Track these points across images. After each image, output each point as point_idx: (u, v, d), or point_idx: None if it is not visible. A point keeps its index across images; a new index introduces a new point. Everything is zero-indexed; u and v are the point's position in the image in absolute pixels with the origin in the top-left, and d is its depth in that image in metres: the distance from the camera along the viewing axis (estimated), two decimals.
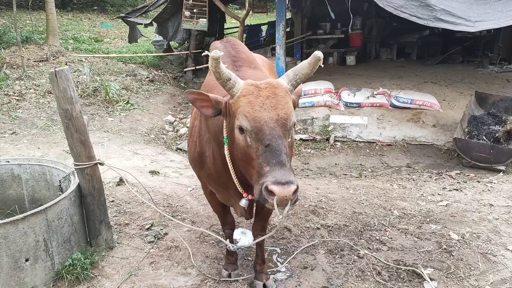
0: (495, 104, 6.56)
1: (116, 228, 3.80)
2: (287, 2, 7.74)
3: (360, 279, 3.15)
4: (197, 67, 11.19)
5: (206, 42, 14.09)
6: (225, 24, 14.83)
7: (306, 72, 2.10)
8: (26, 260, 2.72)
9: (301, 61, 9.39)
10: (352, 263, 3.32)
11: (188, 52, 11.34)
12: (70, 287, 2.94)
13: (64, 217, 2.93)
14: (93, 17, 19.82)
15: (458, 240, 3.56)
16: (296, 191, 1.89)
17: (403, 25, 10.57)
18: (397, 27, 12.04)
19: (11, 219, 2.60)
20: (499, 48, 11.06)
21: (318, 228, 3.85)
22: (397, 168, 5.91)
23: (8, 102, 7.12)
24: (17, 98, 7.33)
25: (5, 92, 7.45)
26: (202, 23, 8.77)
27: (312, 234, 3.75)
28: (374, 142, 6.73)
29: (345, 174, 5.60)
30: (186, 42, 12.20)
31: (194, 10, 8.72)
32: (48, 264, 2.85)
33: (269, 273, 3.14)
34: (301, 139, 6.88)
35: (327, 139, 6.85)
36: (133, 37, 11.37)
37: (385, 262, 3.31)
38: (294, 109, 2.14)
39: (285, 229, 3.83)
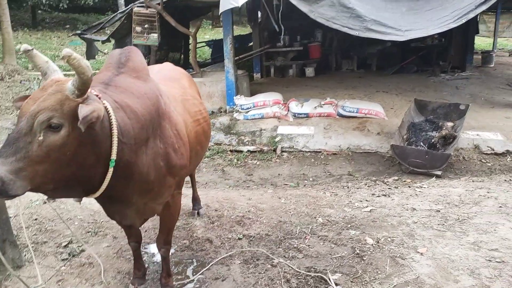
0: (434, 110, 6.73)
1: (32, 246, 3.72)
2: (232, 17, 7.81)
3: (268, 287, 3.14)
4: None
5: (172, 58, 14.18)
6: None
7: (77, 73, 1.88)
8: None
9: (261, 75, 9.50)
10: (264, 272, 3.32)
11: None
12: None
13: None
14: (63, 35, 19.73)
15: (372, 245, 3.59)
16: None
17: (363, 38, 10.87)
18: (358, 39, 12.31)
19: None
20: (451, 57, 11.40)
21: (239, 239, 3.84)
22: (338, 177, 5.98)
23: None
24: None
25: None
26: (153, 38, 8.80)
27: (233, 245, 3.74)
28: (319, 152, 6.81)
29: (286, 184, 5.63)
30: (146, 57, 12.22)
31: (146, 26, 8.75)
32: None
33: (177, 285, 3.11)
34: (248, 150, 6.91)
35: (274, 150, 6.89)
36: (90, 54, 11.33)
37: (296, 269, 3.32)
38: (92, 117, 1.91)
39: (206, 241, 3.82)
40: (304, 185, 5.51)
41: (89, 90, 2.09)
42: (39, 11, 21.83)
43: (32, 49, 2.14)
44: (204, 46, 17.14)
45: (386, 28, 5.65)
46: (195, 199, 4.35)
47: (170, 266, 3.15)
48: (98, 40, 11.44)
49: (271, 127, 7.34)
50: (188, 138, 2.98)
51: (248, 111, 7.65)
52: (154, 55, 11.39)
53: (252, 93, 8.45)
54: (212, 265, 3.44)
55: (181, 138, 2.75)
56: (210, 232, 3.96)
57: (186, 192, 4.60)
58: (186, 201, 4.53)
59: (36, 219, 4.22)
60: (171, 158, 2.63)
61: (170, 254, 3.55)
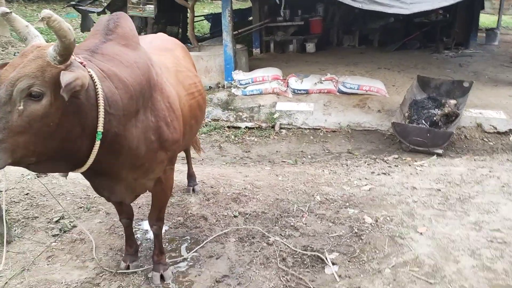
0: (437, 88, 6.56)
1: (22, 222, 3.64)
2: None
3: (263, 266, 3.07)
4: None
5: (169, 32, 13.86)
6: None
7: (58, 36, 1.74)
8: None
9: (260, 50, 9.23)
10: (260, 251, 3.24)
11: None
12: None
13: None
14: (58, 7, 19.25)
15: (370, 224, 3.51)
16: None
17: (366, 12, 10.56)
18: (360, 13, 11.99)
19: None
20: (455, 33, 11.13)
21: (235, 216, 3.75)
22: (337, 154, 5.87)
23: None
24: None
25: None
26: (149, 10, 8.56)
27: (228, 223, 3.66)
28: (319, 129, 6.67)
29: (284, 162, 5.53)
30: (142, 31, 11.92)
31: None
32: None
33: (169, 263, 3.04)
34: (246, 127, 6.78)
35: (273, 127, 6.76)
36: (85, 26, 11.02)
37: (292, 248, 3.24)
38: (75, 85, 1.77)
39: (201, 218, 3.73)
40: (303, 163, 5.40)
41: (72, 57, 1.95)
42: None
43: (11, 12, 1.99)
44: (203, 20, 16.73)
45: (390, 1, 5.44)
46: (191, 176, 4.24)
47: (163, 243, 3.07)
48: (94, 12, 11.13)
49: (269, 103, 7.18)
50: (182, 112, 2.85)
51: (247, 87, 7.48)
52: (151, 29, 11.11)
53: (251, 69, 8.24)
54: (206, 243, 3.36)
55: (174, 111, 2.62)
56: (205, 209, 3.87)
57: (182, 168, 4.51)
58: (181, 177, 4.44)
59: (27, 194, 4.12)
60: (163, 132, 2.50)
61: (163, 231, 3.49)
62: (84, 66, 1.98)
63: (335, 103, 7.09)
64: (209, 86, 7.90)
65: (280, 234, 3.46)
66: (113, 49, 2.26)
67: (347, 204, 3.90)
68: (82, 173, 2.27)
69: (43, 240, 3.37)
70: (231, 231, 3.52)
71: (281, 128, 6.73)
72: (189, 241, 3.41)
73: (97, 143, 2.05)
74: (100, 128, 2.02)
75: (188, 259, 3.17)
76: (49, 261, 3.13)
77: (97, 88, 1.99)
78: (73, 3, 11.03)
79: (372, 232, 3.38)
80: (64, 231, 3.51)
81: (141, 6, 8.55)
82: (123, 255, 3.12)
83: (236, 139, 6.42)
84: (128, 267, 3.02)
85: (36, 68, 1.79)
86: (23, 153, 1.82)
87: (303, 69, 8.67)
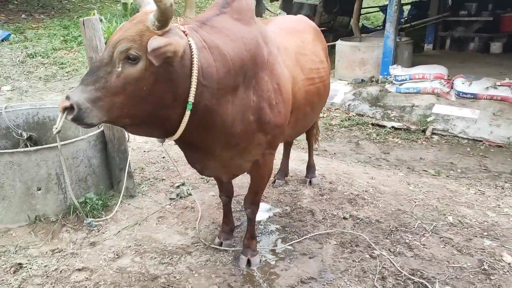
0: None
1: (151, 181, 4.01)
2: None
3: (357, 279, 2.73)
4: None
5: (340, 22, 13.63)
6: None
7: (154, 1, 1.74)
8: (38, 189, 3.05)
9: (433, 46, 8.31)
10: (359, 261, 2.90)
11: None
12: (78, 222, 3.22)
13: (80, 158, 3.19)
14: None
15: (509, 264, 2.80)
16: (68, 108, 1.78)
17: None
18: None
19: (24, 149, 2.94)
20: None
21: (345, 218, 3.44)
22: (496, 174, 4.89)
23: None
24: None
25: None
26: None
27: (335, 223, 3.38)
28: (480, 141, 5.68)
29: (424, 171, 4.86)
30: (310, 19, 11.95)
31: None
32: (60, 197, 3.15)
33: (258, 250, 2.94)
34: (392, 127, 6.19)
35: (423, 131, 6.02)
36: (257, 12, 11.59)
37: (398, 268, 2.80)
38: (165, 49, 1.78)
39: (308, 212, 3.54)
40: (447, 176, 4.66)
41: (175, 25, 1.97)
42: None
43: None
44: (377, 11, 15.97)
45: None
46: (310, 167, 4.05)
47: (263, 229, 2.98)
48: None
49: (425, 104, 6.41)
50: (296, 96, 2.69)
51: (403, 83, 6.81)
52: (319, 17, 11.07)
53: (415, 65, 7.48)
54: (305, 238, 3.16)
55: (282, 94, 2.47)
56: (316, 204, 3.65)
57: (305, 157, 4.33)
58: (301, 167, 4.29)
59: (163, 157, 4.53)
60: (265, 113, 2.38)
61: (266, 217, 3.44)
62: (186, 35, 1.99)
63: (509, 113, 5.92)
64: (362, 79, 7.48)
65: (389, 249, 3.03)
66: (223, 22, 2.22)
67: (485, 233, 3.20)
68: (176, 143, 2.31)
69: (160, 201, 3.64)
70: (335, 233, 3.24)
71: (433, 133, 5.95)
72: (287, 233, 3.26)
73: (187, 113, 2.04)
74: (191, 99, 2.00)
75: (280, 251, 3.03)
76: (158, 221, 3.36)
77: (193, 58, 1.97)
78: None
79: (506, 275, 2.69)
80: (180, 197, 3.73)
81: None
82: (220, 231, 3.15)
83: (378, 138, 5.92)
84: (220, 244, 3.04)
85: (136, 32, 1.85)
86: (117, 113, 1.91)
87: (479, 71, 7.48)
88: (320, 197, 3.79)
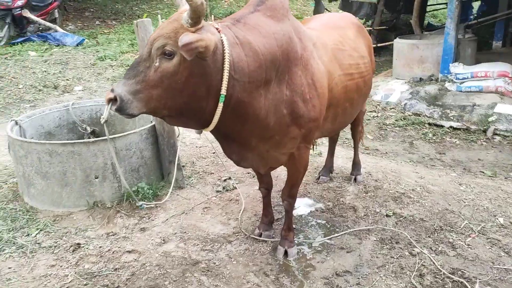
0: None
1: (200, 174, 4.21)
2: None
3: (394, 275, 2.71)
4: (378, 45, 10.68)
5: (404, 20, 13.20)
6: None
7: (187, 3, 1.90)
8: (96, 177, 3.35)
9: (503, 43, 7.78)
10: (397, 258, 2.87)
11: (370, 28, 10.90)
12: (131, 209, 3.49)
13: (132, 149, 3.45)
14: None
15: None
16: (113, 99, 1.97)
17: None
18: None
19: (84, 140, 3.25)
20: None
21: (387, 216, 3.41)
22: None
23: None
24: None
25: None
26: None
27: (377, 220, 3.35)
28: None
29: (481, 172, 4.62)
30: (371, 18, 11.71)
31: None
32: (115, 185, 3.43)
33: (295, 242, 3.01)
34: (451, 127, 5.93)
35: (484, 131, 5.71)
36: (317, 11, 11.57)
37: (438, 266, 2.74)
38: (195, 48, 1.91)
39: (350, 208, 3.54)
40: (506, 178, 4.40)
41: (209, 23, 2.11)
42: None
43: None
44: (444, 8, 15.24)
45: None
46: (355, 164, 4.04)
47: (293, 219, 3.05)
48: None
49: (487, 104, 6.07)
50: (334, 91, 2.74)
51: (464, 82, 6.50)
52: (379, 16, 10.82)
53: (478, 63, 7.09)
54: (344, 233, 3.18)
55: (316, 89, 2.53)
56: (359, 201, 3.64)
57: (350, 154, 4.31)
58: (347, 164, 4.28)
59: (214, 153, 4.73)
60: (298, 107, 2.45)
61: (307, 211, 3.50)
62: (219, 32, 2.12)
63: None
64: (420, 78, 7.22)
65: (430, 248, 2.96)
66: (256, 19, 2.33)
67: None
68: (212, 134, 2.46)
69: (207, 193, 3.83)
70: (375, 229, 3.22)
71: (494, 133, 5.62)
72: (327, 227, 3.29)
73: (220, 105, 2.17)
74: (223, 92, 2.13)
75: (318, 244, 3.07)
76: (204, 211, 3.54)
77: (225, 53, 2.10)
78: None
79: None
80: (226, 190, 3.89)
81: None
82: (259, 222, 3.26)
83: (434, 138, 5.71)
84: (260, 235, 3.15)
85: (171, 29, 2.01)
86: (155, 104, 2.09)
87: None
88: (364, 194, 3.77)
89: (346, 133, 5.14)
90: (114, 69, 8.03)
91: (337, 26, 3.16)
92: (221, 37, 2.11)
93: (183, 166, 4.09)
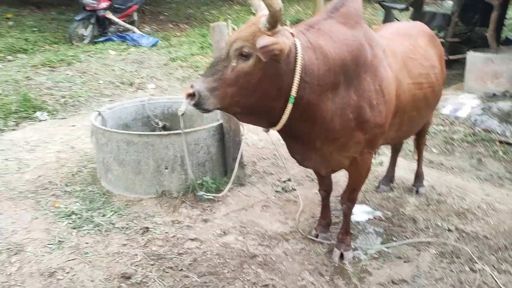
0: None
1: (260, 174, 4.35)
2: None
3: None
4: (450, 57, 10.30)
5: (480, 33, 12.60)
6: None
7: (266, 5, 2.03)
8: (166, 168, 3.60)
9: None
10: (457, 273, 2.82)
11: (443, 40, 10.53)
12: (195, 201, 3.69)
13: (200, 144, 3.66)
14: (377, 5, 20.40)
15: None
16: (191, 95, 2.13)
17: None
18: None
19: (158, 133, 3.50)
20: None
21: (449, 230, 3.34)
22: None
23: None
24: None
25: None
26: (446, 6, 8.04)
27: (437, 233, 3.30)
28: None
29: None
30: (444, 29, 11.28)
31: None
32: (182, 177, 3.66)
33: (352, 246, 3.04)
34: None
35: None
36: (387, 21, 11.36)
37: (500, 284, 2.66)
38: (270, 51, 2.05)
39: (410, 219, 3.51)
40: None
41: (285, 28, 2.25)
42: None
43: None
44: None
45: None
46: (418, 176, 3.98)
47: (350, 224, 3.08)
48: (397, 8, 11.35)
49: None
50: (401, 99, 2.77)
51: None
52: (453, 28, 10.43)
53: None
54: (403, 243, 3.16)
55: (384, 95, 2.58)
56: (420, 213, 3.60)
57: (414, 167, 4.24)
58: (410, 176, 4.22)
59: (274, 155, 4.85)
60: (364, 112, 2.51)
61: (365, 219, 3.53)
62: (293, 36, 2.25)
63: None
64: (493, 93, 6.89)
65: (493, 266, 2.88)
66: (329, 26, 2.42)
67: None
68: (279, 133, 2.58)
69: (266, 192, 3.95)
70: (435, 243, 3.17)
71: None
72: (385, 236, 3.29)
73: (289, 105, 2.29)
74: (293, 93, 2.25)
75: (375, 252, 3.08)
76: (263, 209, 3.67)
77: (298, 57, 2.22)
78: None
79: None
80: (285, 191, 3.99)
81: (439, 1, 8.14)
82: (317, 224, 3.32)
83: (504, 156, 5.42)
84: (317, 236, 3.22)
85: (249, 33, 2.16)
86: (229, 102, 2.25)
87: None
88: (425, 206, 3.71)
89: (409, 145, 5.06)
90: (184, 69, 8.44)
91: (409, 34, 3.17)
92: (295, 41, 2.23)
93: (245, 165, 4.25)
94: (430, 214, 3.59)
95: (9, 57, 8.10)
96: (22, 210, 3.47)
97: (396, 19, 12.20)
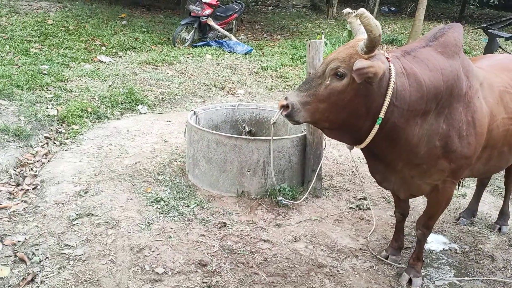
0: None
1: (336, 189, 4.43)
2: None
3: None
4: None
5: None
6: None
7: (366, 30, 2.14)
8: (248, 171, 3.84)
9: None
10: None
11: None
12: (271, 205, 3.88)
13: (283, 153, 3.85)
14: (481, 31, 19.30)
15: None
16: (285, 106, 2.33)
17: None
18: None
19: (246, 137, 3.76)
20: None
21: None
22: None
23: None
24: None
25: None
26: None
27: None
28: None
29: None
30: None
31: None
32: (261, 181, 3.88)
33: (422, 273, 3.02)
34: None
35: None
36: (489, 49, 10.75)
37: None
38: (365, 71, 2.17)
39: (487, 257, 3.38)
40: None
41: (381, 52, 2.35)
42: (471, 6, 21.87)
43: (353, 12, 2.55)
44: None
45: None
46: (503, 214, 3.80)
47: (423, 252, 3.06)
48: (502, 37, 10.70)
49: None
50: (493, 133, 2.73)
51: None
52: None
53: None
54: (477, 279, 3.07)
55: (475, 127, 2.57)
56: (500, 252, 3.45)
57: (499, 203, 4.06)
58: (494, 212, 4.04)
59: (352, 172, 4.90)
60: (452, 142, 2.52)
61: (441, 248, 3.47)
62: (389, 61, 2.35)
63: None
64: None
65: None
66: (426, 54, 2.48)
67: None
68: (362, 151, 2.67)
69: (340, 207, 4.03)
70: None
71: None
72: (458, 270, 3.21)
73: (376, 126, 2.38)
74: (381, 115, 2.34)
75: (445, 283, 3.03)
76: (335, 222, 3.76)
77: (390, 81, 2.31)
78: (484, 25, 10.97)
79: None
80: (359, 209, 4.03)
81: None
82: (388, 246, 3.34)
83: None
84: (386, 257, 3.24)
85: (346, 54, 2.30)
86: (319, 117, 2.41)
87: None
88: (507, 246, 3.55)
89: (497, 180, 4.81)
90: (273, 79, 8.74)
91: (508, 68, 3.08)
92: (390, 66, 2.33)
93: (323, 178, 4.36)
94: (511, 254, 3.42)
95: (120, 53, 9.03)
96: (120, 190, 3.93)
97: (501, 47, 11.51)
